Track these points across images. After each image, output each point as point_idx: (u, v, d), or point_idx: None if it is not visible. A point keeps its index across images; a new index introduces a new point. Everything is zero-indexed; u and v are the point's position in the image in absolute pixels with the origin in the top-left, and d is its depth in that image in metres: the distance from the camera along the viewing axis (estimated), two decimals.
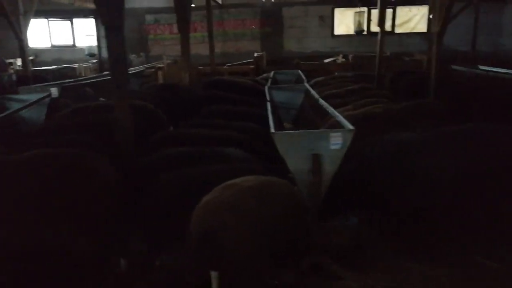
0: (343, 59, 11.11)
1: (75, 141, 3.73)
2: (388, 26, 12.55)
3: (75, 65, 10.27)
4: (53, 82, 6.39)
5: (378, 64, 9.44)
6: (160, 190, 3.12)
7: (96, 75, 8.51)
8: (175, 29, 12.07)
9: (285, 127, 6.27)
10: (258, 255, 2.73)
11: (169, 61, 10.81)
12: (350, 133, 3.35)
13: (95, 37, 11.77)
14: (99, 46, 11.64)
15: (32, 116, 5.23)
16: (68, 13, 11.89)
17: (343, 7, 12.39)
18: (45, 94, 5.33)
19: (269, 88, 6.36)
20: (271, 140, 4.88)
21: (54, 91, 5.45)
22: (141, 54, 12.16)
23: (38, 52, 11.80)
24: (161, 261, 3.22)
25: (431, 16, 12.28)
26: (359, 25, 12.20)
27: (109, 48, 3.57)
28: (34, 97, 5.32)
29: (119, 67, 3.61)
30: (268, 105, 4.86)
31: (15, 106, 5.21)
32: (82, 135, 3.89)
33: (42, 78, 8.64)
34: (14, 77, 8.14)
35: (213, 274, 2.67)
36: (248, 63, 10.88)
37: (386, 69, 9.44)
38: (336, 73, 10.01)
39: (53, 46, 12.18)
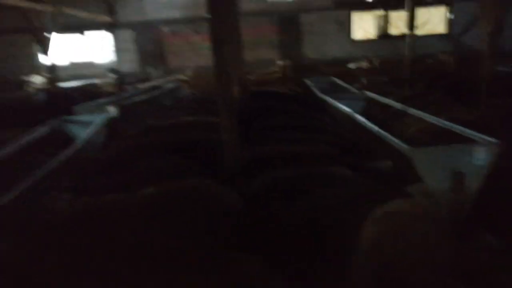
0: (368, 64, 10.94)
1: (182, 166, 3.39)
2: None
3: (98, 81, 9.84)
4: (105, 100, 5.98)
5: (410, 67, 9.33)
6: (307, 223, 2.79)
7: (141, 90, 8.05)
8: (192, 38, 11.80)
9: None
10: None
11: (190, 73, 10.46)
12: (495, 146, 3.11)
13: (112, 52, 11.33)
14: (118, 60, 11.21)
15: (93, 139, 4.84)
16: (83, 27, 11.42)
17: (361, 10, 12.25)
18: (106, 114, 4.95)
19: (326, 97, 6.08)
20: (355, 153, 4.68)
21: (113, 111, 5.08)
22: (159, 66, 11.78)
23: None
24: None
25: (450, 17, 12.29)
26: (381, 28, 12.09)
27: (217, 63, 3.25)
28: (93, 118, 4.94)
29: (228, 87, 3.30)
30: (358, 117, 4.56)
31: (77, 129, 4.83)
32: (181, 159, 3.56)
33: (71, 96, 8.23)
34: (44, 96, 7.68)
35: None
36: (273, 72, 10.60)
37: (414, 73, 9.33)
38: (363, 79, 9.82)
39: (68, 62, 11.68)
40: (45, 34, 7.42)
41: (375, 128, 3.93)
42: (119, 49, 11.30)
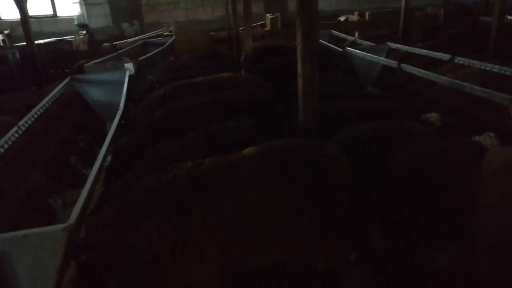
0: (359, 17, 10.58)
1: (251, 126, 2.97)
2: None
3: (70, 38, 8.78)
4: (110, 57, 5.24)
5: (404, 20, 9.08)
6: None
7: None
8: None
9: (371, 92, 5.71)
10: None
11: (171, 29, 9.61)
12: None
13: (78, 5, 10.07)
14: (87, 15, 10.01)
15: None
16: None
17: None
18: (123, 71, 4.30)
19: (350, 50, 5.70)
20: None
21: (131, 67, 4.43)
22: (134, 22, 10.72)
23: (13, 24, 9.88)
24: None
25: None
26: None
27: (301, 13, 2.76)
28: (109, 76, 4.28)
29: (312, 34, 2.84)
30: (411, 68, 4.24)
31: (90, 88, 4.18)
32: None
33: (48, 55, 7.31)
34: (17, 55, 6.72)
35: None
36: (262, 25, 10.00)
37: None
38: (356, 32, 9.50)
39: (30, 17, 10.21)
40: None
41: (443, 77, 3.64)
42: (88, 3, 10.11)
